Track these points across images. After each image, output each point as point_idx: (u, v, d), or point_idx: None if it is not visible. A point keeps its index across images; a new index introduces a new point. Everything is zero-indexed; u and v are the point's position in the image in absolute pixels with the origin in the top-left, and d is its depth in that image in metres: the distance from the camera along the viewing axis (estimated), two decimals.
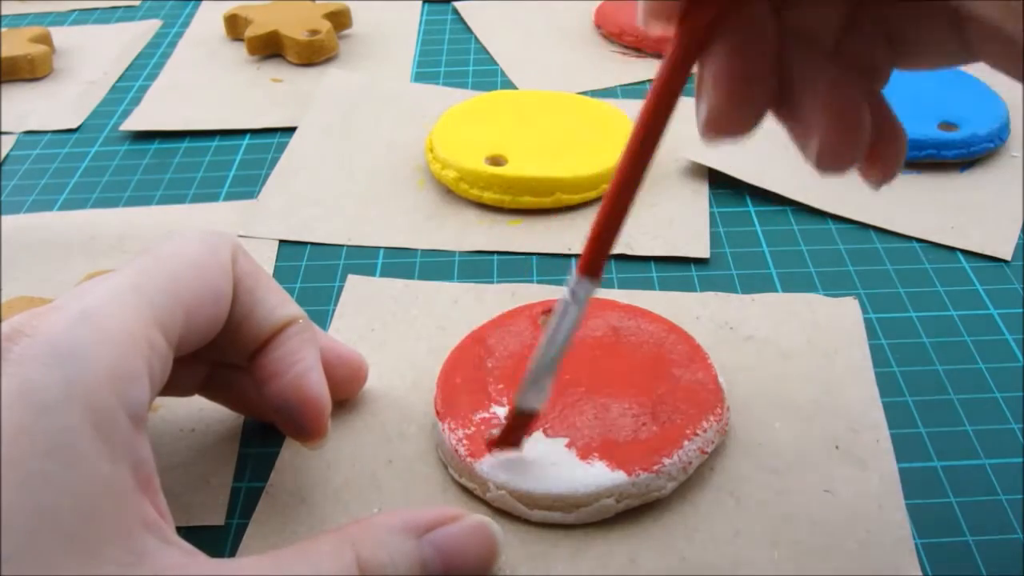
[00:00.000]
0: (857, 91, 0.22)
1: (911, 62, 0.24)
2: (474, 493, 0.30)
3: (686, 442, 0.29)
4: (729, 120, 0.22)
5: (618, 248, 0.41)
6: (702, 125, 0.22)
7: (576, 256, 0.41)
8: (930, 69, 0.24)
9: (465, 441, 0.30)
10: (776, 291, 0.38)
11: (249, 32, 0.57)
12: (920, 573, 0.27)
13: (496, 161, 0.44)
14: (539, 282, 0.39)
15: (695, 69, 0.22)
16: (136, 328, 0.23)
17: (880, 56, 0.24)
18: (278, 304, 0.29)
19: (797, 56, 0.22)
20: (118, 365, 0.22)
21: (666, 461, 0.29)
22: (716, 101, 0.22)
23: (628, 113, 0.48)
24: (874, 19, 0.23)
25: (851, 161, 0.22)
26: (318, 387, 0.29)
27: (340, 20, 0.59)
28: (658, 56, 0.56)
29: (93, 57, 0.60)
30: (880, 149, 0.23)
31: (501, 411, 0.31)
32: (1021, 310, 0.37)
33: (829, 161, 0.22)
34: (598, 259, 0.24)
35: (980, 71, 0.49)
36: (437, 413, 0.31)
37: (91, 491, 0.21)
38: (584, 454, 0.29)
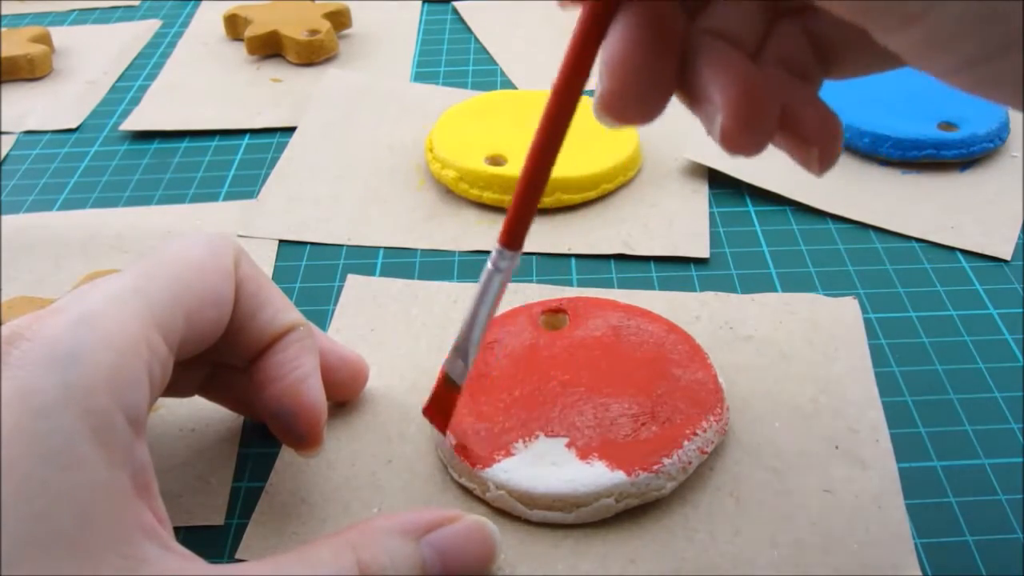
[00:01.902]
0: (764, 75, 0.21)
1: (840, 70, 0.23)
2: (474, 493, 0.30)
3: (686, 442, 0.29)
4: (626, 102, 0.21)
5: (618, 248, 0.41)
6: (595, 105, 0.22)
7: (576, 256, 0.41)
8: (861, 75, 0.23)
9: None
10: (776, 291, 0.38)
11: (249, 32, 0.57)
12: (920, 573, 0.27)
13: (496, 161, 0.44)
14: (539, 282, 0.39)
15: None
16: (136, 332, 0.23)
17: (806, 63, 0.23)
18: (279, 310, 0.29)
19: (704, 43, 0.22)
20: (118, 369, 0.22)
21: (666, 461, 0.29)
22: (610, 81, 0.21)
23: None
24: (796, 27, 0.23)
25: (757, 141, 0.21)
26: (315, 394, 0.28)
27: (340, 20, 0.59)
28: None
29: (93, 57, 0.60)
30: (805, 125, 0.22)
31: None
32: (1021, 310, 0.37)
33: (733, 140, 0.21)
34: (518, 230, 0.25)
35: None
36: None
37: (89, 496, 0.21)
38: (584, 454, 0.29)
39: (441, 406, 0.30)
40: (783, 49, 0.23)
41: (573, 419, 0.30)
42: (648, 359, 0.33)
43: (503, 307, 0.36)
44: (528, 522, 0.29)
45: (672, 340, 0.33)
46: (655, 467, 0.29)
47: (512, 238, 0.25)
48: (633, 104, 0.21)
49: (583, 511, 0.29)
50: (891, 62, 0.22)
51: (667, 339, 0.33)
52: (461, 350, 0.28)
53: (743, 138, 0.21)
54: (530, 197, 0.25)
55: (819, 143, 0.22)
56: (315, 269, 0.41)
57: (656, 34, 0.21)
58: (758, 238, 0.41)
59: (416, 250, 0.42)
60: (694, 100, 0.22)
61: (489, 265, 0.26)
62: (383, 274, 0.40)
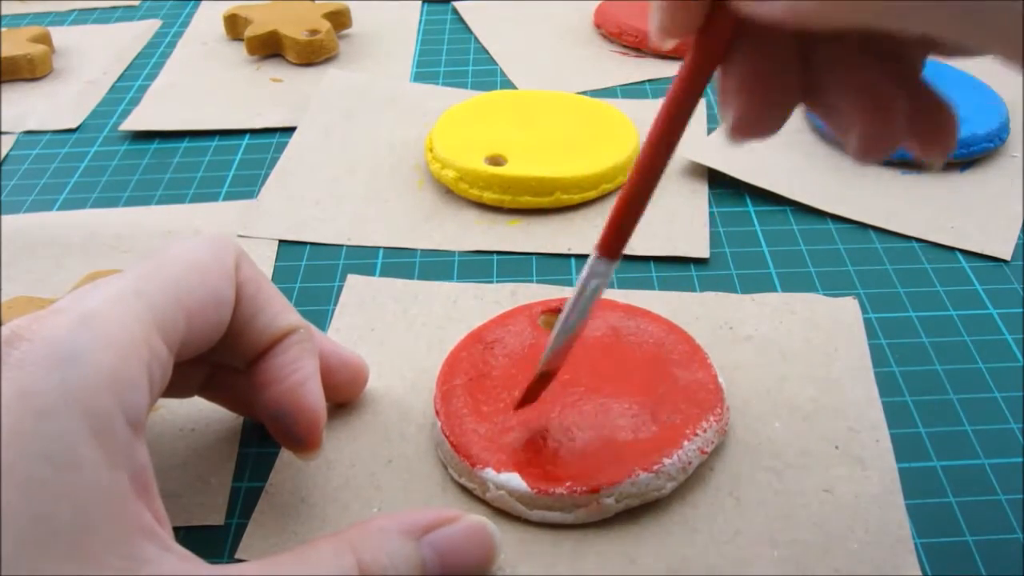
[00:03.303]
0: (888, 79, 0.22)
1: (944, 53, 0.23)
2: (473, 493, 0.30)
3: (686, 442, 0.29)
4: (758, 122, 0.22)
5: None
6: (730, 130, 0.22)
7: (576, 256, 0.41)
8: (966, 58, 0.24)
9: None
10: (776, 291, 0.38)
11: (249, 32, 0.57)
12: (920, 573, 0.27)
13: (496, 161, 0.44)
14: (539, 282, 0.39)
15: (715, 76, 0.22)
16: (137, 333, 0.23)
17: (911, 47, 0.23)
18: (280, 312, 0.29)
19: (823, 49, 0.22)
20: (118, 370, 0.22)
21: (666, 461, 0.29)
22: (743, 107, 0.22)
23: (628, 113, 0.48)
24: None
25: (890, 148, 0.22)
26: (314, 397, 0.28)
27: (340, 20, 0.59)
28: (658, 56, 0.56)
29: (93, 57, 0.60)
30: (926, 127, 0.22)
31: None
32: (1021, 310, 0.37)
33: (869, 152, 0.22)
34: (617, 240, 0.25)
35: (980, 71, 0.49)
36: (437, 413, 0.31)
37: (89, 497, 0.21)
38: (584, 454, 0.29)
39: (532, 395, 0.30)
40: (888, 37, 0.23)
41: (573, 419, 0.30)
42: (648, 359, 0.33)
43: (503, 308, 0.36)
44: (528, 522, 0.29)
45: (672, 340, 0.33)
46: (655, 467, 0.29)
47: (610, 248, 0.25)
48: (763, 124, 0.22)
49: (583, 511, 0.29)
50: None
51: (667, 339, 0.33)
52: (557, 344, 0.28)
53: (876, 155, 0.22)
54: (632, 209, 0.24)
55: (938, 145, 0.23)
56: (315, 269, 0.41)
57: (773, 62, 0.22)
58: (758, 238, 0.41)
59: (416, 250, 0.42)
60: (824, 112, 0.23)
61: (586, 270, 0.26)
62: (383, 274, 0.40)
